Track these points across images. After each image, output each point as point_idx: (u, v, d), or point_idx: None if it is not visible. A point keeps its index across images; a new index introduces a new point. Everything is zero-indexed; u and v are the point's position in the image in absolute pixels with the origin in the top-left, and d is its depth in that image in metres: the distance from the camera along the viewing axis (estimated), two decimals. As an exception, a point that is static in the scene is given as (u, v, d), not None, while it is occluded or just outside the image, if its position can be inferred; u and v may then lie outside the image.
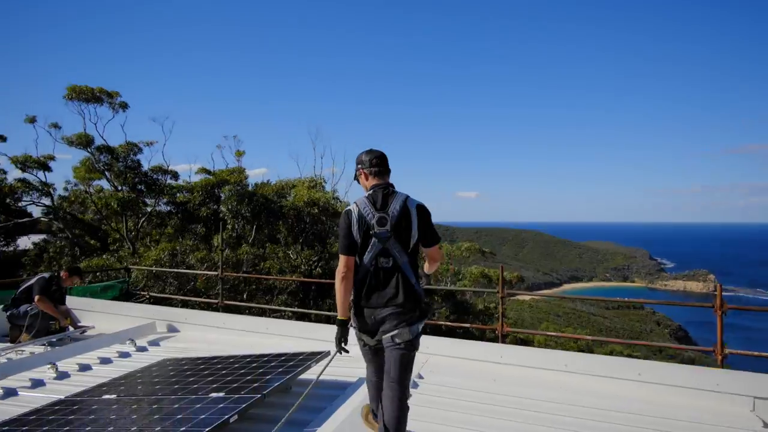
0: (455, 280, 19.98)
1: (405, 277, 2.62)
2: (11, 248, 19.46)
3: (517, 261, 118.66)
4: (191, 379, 3.89)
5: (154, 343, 6.05)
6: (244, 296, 13.07)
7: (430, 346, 4.85)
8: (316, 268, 14.59)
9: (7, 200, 14.90)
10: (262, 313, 12.03)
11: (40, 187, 15.30)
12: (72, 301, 7.19)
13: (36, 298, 5.64)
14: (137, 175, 15.17)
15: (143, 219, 15.43)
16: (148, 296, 9.78)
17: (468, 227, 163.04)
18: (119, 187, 15.01)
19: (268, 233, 15.03)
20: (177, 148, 55.59)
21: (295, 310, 9.14)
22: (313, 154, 27.16)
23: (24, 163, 14.51)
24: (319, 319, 10.70)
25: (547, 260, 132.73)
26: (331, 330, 5.27)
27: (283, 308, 9.54)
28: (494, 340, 6.57)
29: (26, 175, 14.99)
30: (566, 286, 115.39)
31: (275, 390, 3.34)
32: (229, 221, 13.87)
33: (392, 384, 2.60)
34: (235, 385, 3.52)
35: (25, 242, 18.26)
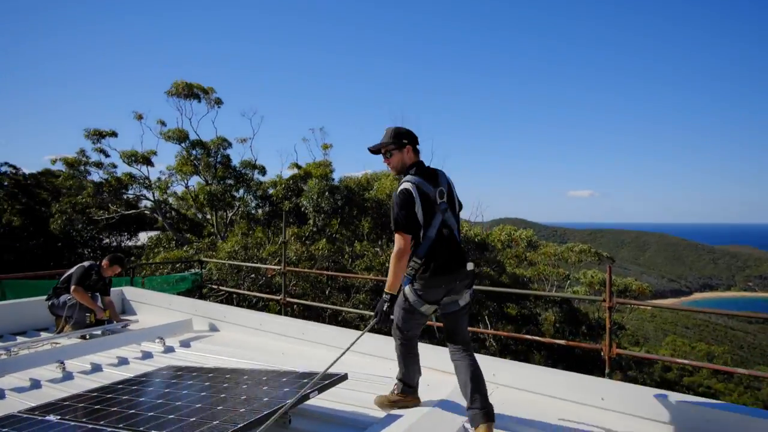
0: (564, 285, 17.70)
1: (460, 244, 2.86)
2: (132, 242, 21.23)
3: (638, 266, 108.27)
4: (159, 401, 2.94)
5: (185, 343, 5.42)
6: (326, 293, 12.47)
7: (497, 373, 3.49)
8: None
9: (121, 192, 15.97)
10: (334, 313, 11.32)
11: (143, 181, 16.17)
12: (127, 292, 6.96)
13: (72, 288, 5.24)
14: (227, 170, 15.37)
15: (232, 213, 15.61)
16: (217, 289, 9.51)
17: (581, 228, 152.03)
18: (209, 181, 15.32)
19: (350, 228, 14.32)
20: (265, 142, 57.84)
21: (359, 311, 8.14)
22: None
23: (130, 158, 15.39)
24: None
25: (674, 265, 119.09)
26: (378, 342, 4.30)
27: (345, 309, 8.58)
28: (600, 367, 4.90)
29: (132, 170, 15.94)
30: (697, 295, 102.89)
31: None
32: (310, 215, 13.37)
33: (465, 346, 2.81)
34: (193, 419, 2.49)
35: (144, 237, 19.71)
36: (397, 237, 2.68)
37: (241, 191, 15.60)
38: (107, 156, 16.25)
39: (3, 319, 5.65)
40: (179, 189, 16.82)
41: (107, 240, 19.53)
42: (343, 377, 3.04)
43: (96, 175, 16.02)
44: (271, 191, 15.74)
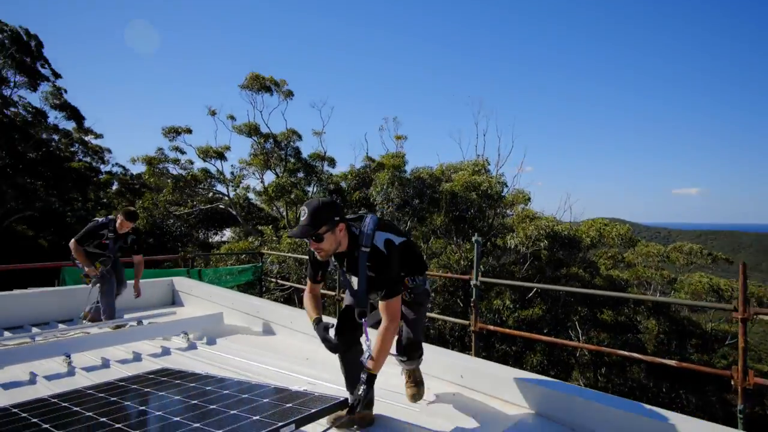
0: (669, 290, 15.31)
1: None
2: (219, 238, 22.03)
3: (761, 272, 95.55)
4: (124, 413, 2.24)
5: (212, 340, 4.93)
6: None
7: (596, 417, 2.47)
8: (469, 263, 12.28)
9: (197, 188, 16.40)
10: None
11: (218, 176, 16.44)
12: (177, 283, 6.63)
13: (71, 242, 4.81)
14: (297, 162, 15.11)
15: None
16: (276, 282, 9.05)
17: (688, 229, 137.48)
18: (279, 174, 15.14)
19: (423, 223, 13.35)
20: (336, 134, 57.64)
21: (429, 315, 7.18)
22: (475, 131, 23.88)
23: (205, 153, 15.68)
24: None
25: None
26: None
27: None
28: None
29: (207, 165, 16.24)
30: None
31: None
32: (378, 206, 12.61)
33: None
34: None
35: (228, 233, 20.33)
36: (393, 305, 2.34)
37: (312, 184, 15.27)
38: (183, 153, 16.74)
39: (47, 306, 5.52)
40: (252, 183, 16.94)
41: (197, 235, 20.38)
42: (343, 403, 2.13)
43: (174, 172, 16.55)
44: (343, 184, 15.29)
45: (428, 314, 8.69)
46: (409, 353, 2.57)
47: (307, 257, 2.64)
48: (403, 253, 2.46)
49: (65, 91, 20.53)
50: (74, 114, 21.20)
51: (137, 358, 4.25)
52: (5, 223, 17.57)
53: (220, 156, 15.83)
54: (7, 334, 4.69)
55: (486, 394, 2.97)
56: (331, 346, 2.40)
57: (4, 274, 10.12)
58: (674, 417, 2.23)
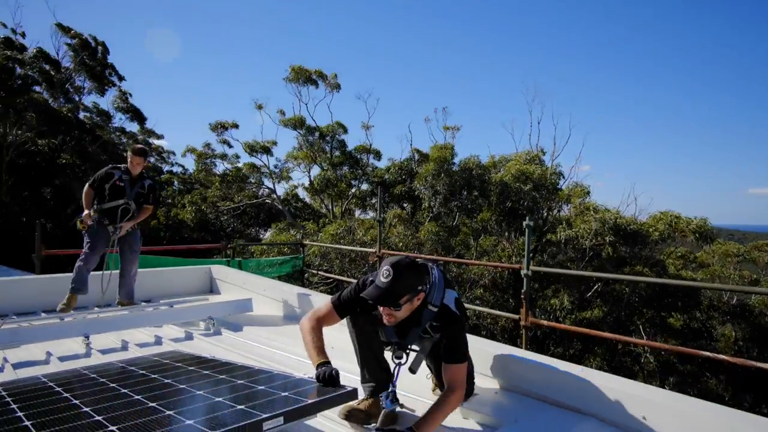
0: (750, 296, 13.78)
1: None
2: (267, 235, 22.36)
3: None
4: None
5: (237, 327, 4.67)
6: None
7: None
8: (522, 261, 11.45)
9: (243, 183, 16.56)
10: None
11: (264, 171, 16.50)
12: (215, 270, 6.47)
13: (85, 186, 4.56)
14: (342, 155, 14.86)
15: (347, 201, 15.08)
16: (316, 274, 8.79)
17: (765, 231, 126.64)
18: (325, 167, 14.97)
19: (472, 216, 12.71)
20: (381, 126, 56.15)
21: (476, 307, 6.54)
22: (529, 119, 22.35)
23: (251, 148, 15.77)
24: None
25: None
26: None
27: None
28: None
29: (253, 160, 16.32)
30: None
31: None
32: (423, 198, 12.10)
33: None
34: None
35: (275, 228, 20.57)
36: (461, 370, 2.03)
37: (358, 178, 14.99)
38: (230, 146, 16.92)
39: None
40: (297, 177, 16.87)
41: (247, 231, 20.76)
42: (351, 393, 1.70)
43: (221, 167, 16.79)
44: (387, 177, 14.87)
45: (476, 308, 8.17)
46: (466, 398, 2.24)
47: (353, 286, 2.16)
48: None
49: (130, 95, 21.48)
50: (137, 115, 22.14)
51: (158, 341, 4.03)
52: (74, 221, 18.59)
53: (267, 151, 15.87)
54: (42, 314, 4.60)
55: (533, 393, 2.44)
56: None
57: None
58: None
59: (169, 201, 21.25)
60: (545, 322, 5.18)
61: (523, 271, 5.16)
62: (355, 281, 2.20)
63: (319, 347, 2.02)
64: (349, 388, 1.75)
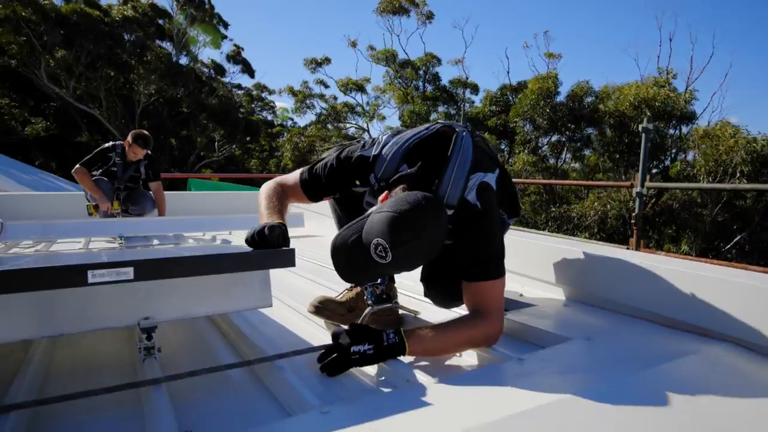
0: None
1: None
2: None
3: None
4: None
5: None
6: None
7: None
8: (650, 202, 9.77)
9: (338, 124, 16.36)
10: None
11: (358, 110, 16.09)
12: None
13: (74, 168, 4.17)
14: (435, 89, 13.82)
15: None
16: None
17: None
18: (417, 102, 14.08)
19: (577, 157, 11.16)
20: (480, 57, 50.89)
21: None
22: (658, 37, 18.26)
23: (345, 86, 15.34)
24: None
25: None
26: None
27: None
28: None
29: (347, 98, 15.93)
30: None
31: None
32: (518, 131, 10.78)
33: None
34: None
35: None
36: (495, 288, 1.30)
37: (451, 117, 13.93)
38: (326, 87, 16.60)
39: None
40: (388, 114, 16.16)
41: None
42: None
43: (318, 108, 16.60)
44: (481, 113, 13.57)
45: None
46: None
47: (331, 158, 1.41)
48: (500, 191, 1.37)
49: (243, 49, 22.10)
50: (247, 68, 22.91)
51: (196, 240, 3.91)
52: (196, 168, 20.05)
53: (360, 88, 15.36)
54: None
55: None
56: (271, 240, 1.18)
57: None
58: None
59: (278, 154, 21.99)
60: (662, 254, 4.07)
61: (636, 189, 4.06)
62: (334, 149, 1.43)
63: (275, 209, 1.34)
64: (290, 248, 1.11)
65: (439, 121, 1.46)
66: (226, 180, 8.74)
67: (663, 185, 4.72)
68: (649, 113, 9.68)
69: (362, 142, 1.39)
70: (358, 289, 1.50)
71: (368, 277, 1.29)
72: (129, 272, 0.90)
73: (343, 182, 1.37)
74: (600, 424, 0.85)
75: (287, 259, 1.11)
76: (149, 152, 4.36)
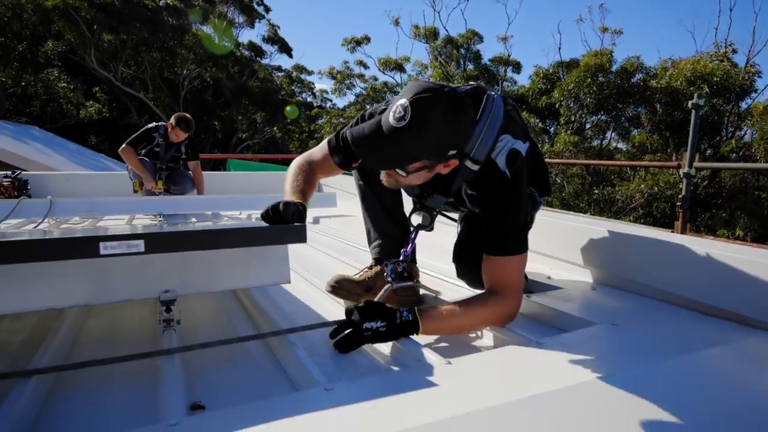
0: None
1: None
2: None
3: None
4: None
5: (316, 219, 4.36)
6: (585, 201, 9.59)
7: None
8: (702, 185, 9.22)
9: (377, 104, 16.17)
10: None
11: (397, 90, 15.86)
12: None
13: (121, 148, 4.32)
14: (476, 68, 13.46)
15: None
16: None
17: None
18: (457, 82, 13.78)
19: (624, 136, 10.64)
20: (525, 32, 48.63)
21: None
22: (717, 7, 16.63)
23: (384, 65, 15.17)
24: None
25: None
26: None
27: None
28: None
29: (387, 78, 15.77)
30: None
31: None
32: (563, 110, 10.36)
33: None
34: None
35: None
36: (514, 265, 1.25)
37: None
38: (366, 67, 16.46)
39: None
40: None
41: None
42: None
43: (358, 89, 16.51)
44: (529, 91, 13.09)
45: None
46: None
47: (357, 119, 1.37)
48: (530, 167, 1.32)
49: (279, 28, 22.18)
50: (284, 47, 22.97)
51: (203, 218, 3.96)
52: (238, 150, 20.53)
53: (400, 67, 15.15)
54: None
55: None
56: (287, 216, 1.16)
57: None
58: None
59: (318, 135, 22.16)
60: (710, 238, 3.84)
61: (684, 170, 3.84)
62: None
63: (297, 188, 1.33)
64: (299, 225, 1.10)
65: (471, 83, 1.41)
66: (265, 161, 8.89)
67: (713, 165, 4.43)
68: (707, 89, 9.04)
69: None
70: (378, 267, 1.48)
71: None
72: (140, 245, 0.91)
73: None
74: (602, 415, 0.80)
75: (298, 235, 1.10)
76: (188, 138, 4.49)
